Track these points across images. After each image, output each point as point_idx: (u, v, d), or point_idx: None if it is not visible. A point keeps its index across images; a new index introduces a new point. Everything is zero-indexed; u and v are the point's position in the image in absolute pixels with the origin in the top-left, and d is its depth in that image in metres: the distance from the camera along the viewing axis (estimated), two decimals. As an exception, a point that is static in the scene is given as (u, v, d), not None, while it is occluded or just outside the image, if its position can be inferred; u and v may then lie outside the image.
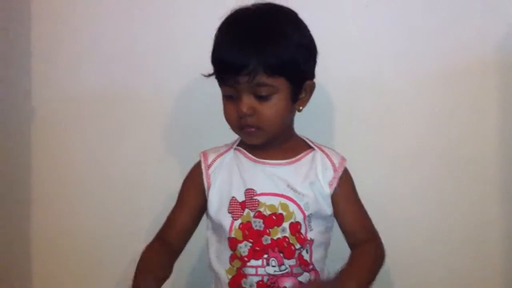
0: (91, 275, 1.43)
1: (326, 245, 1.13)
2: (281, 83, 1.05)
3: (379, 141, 1.36)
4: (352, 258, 1.08)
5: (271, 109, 1.05)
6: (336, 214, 1.11)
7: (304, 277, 1.08)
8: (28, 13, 1.38)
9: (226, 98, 1.08)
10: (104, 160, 1.43)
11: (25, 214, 1.42)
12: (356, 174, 1.31)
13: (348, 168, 1.15)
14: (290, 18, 1.11)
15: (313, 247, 1.09)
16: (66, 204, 1.40)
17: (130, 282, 1.00)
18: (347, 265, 1.06)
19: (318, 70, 1.13)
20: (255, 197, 1.08)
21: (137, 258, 1.04)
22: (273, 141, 1.11)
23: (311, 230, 1.08)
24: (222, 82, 1.07)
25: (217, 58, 1.07)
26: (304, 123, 1.20)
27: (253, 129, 1.06)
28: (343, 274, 1.03)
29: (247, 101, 1.04)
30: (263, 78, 1.03)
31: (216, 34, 1.09)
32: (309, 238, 1.08)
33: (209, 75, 1.10)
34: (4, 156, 1.39)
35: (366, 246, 1.09)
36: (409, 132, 1.36)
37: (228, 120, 1.09)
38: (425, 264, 1.36)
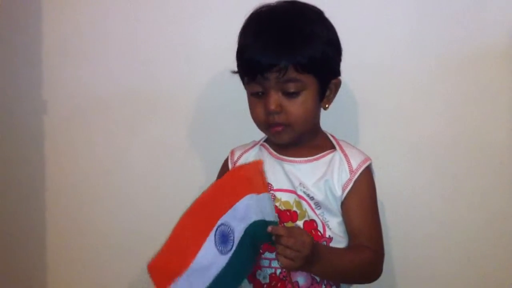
0: (104, 273, 1.46)
1: (346, 243, 1.10)
2: (309, 80, 1.05)
3: (393, 129, 1.34)
4: (342, 248, 1.07)
5: (299, 106, 1.06)
6: (345, 214, 1.08)
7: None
8: (39, 6, 1.41)
9: (253, 96, 1.09)
10: (119, 155, 1.43)
11: (39, 209, 1.46)
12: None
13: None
14: (316, 16, 1.11)
15: (331, 244, 1.08)
16: (79, 199, 1.43)
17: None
18: (331, 247, 1.06)
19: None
20: (271, 192, 1.10)
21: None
22: (299, 138, 1.11)
23: (329, 228, 1.08)
24: (249, 79, 1.08)
25: (246, 58, 1.07)
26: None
27: (280, 128, 1.07)
28: (321, 248, 1.02)
29: (275, 98, 1.05)
30: (292, 75, 1.04)
31: (241, 33, 1.10)
32: (327, 236, 1.08)
33: (236, 72, 1.12)
34: (17, 150, 1.45)
35: (362, 248, 1.06)
36: (424, 120, 1.34)
37: (255, 118, 1.10)
38: (442, 252, 1.34)
